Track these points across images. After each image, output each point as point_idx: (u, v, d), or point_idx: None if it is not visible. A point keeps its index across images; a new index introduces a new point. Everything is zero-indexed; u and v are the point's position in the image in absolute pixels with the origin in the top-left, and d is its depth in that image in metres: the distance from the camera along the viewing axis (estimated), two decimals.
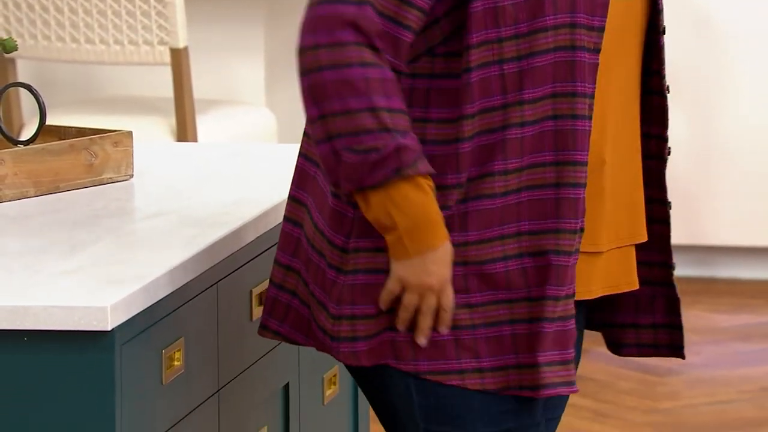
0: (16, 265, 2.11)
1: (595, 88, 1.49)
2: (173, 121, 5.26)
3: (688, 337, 4.95)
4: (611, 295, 1.65)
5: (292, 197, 1.78)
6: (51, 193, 2.75)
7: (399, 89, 1.44)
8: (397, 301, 1.53)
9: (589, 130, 1.49)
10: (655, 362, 4.48)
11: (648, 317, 1.66)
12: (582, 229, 1.52)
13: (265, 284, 2.48)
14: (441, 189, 1.52)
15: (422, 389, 1.57)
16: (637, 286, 1.63)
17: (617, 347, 1.72)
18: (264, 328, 1.78)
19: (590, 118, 1.49)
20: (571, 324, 1.54)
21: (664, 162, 1.63)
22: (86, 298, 1.88)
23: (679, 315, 1.65)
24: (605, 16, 1.44)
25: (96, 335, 1.86)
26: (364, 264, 1.58)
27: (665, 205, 1.63)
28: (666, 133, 1.62)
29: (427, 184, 1.46)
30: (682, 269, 5.34)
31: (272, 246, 2.53)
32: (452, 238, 1.52)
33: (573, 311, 1.54)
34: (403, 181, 1.44)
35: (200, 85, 5.89)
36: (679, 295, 1.63)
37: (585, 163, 1.49)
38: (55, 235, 2.36)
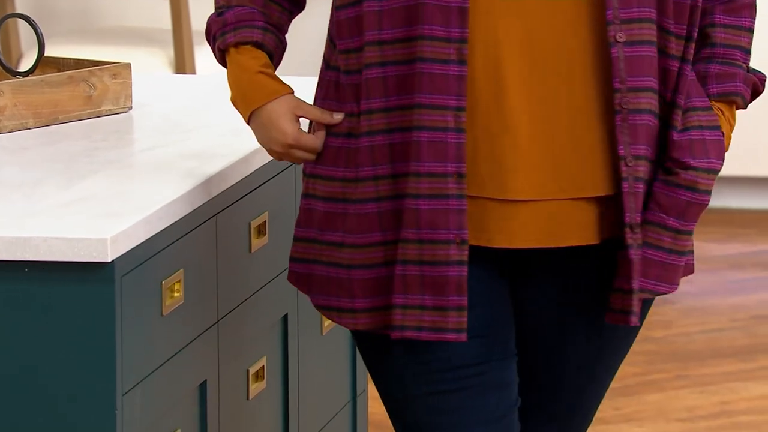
0: (16, 196, 2.12)
1: (464, 32, 1.46)
2: (171, 52, 5.24)
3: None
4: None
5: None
6: (50, 125, 2.75)
7: None
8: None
9: (460, 75, 1.48)
10: None
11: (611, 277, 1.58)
12: (460, 174, 1.50)
13: (264, 216, 2.50)
14: (348, 116, 1.57)
15: None
16: (585, 242, 1.56)
17: None
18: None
19: (459, 62, 1.48)
20: (452, 270, 1.50)
21: (650, 116, 1.55)
22: (86, 229, 1.89)
23: (628, 279, 1.54)
24: None
25: (96, 267, 1.87)
26: (305, 188, 1.69)
27: (639, 160, 1.53)
28: (656, 90, 1.55)
29: (251, 55, 1.64)
30: None
31: (271, 178, 2.53)
32: (340, 172, 1.57)
33: (455, 258, 1.50)
34: (232, 52, 1.66)
35: (199, 17, 5.86)
36: (632, 257, 1.52)
37: (450, 108, 1.48)
38: (54, 166, 2.37)
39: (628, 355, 4.26)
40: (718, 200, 5.60)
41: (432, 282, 1.51)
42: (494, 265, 1.60)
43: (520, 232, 1.54)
